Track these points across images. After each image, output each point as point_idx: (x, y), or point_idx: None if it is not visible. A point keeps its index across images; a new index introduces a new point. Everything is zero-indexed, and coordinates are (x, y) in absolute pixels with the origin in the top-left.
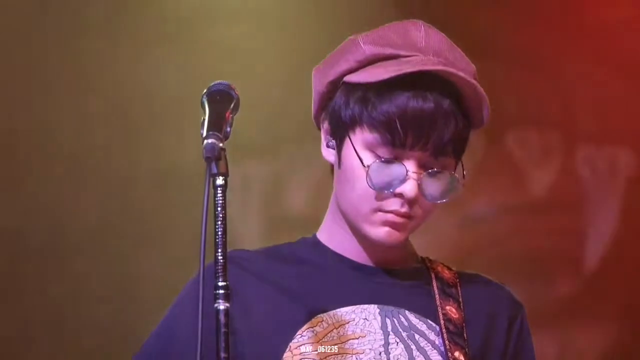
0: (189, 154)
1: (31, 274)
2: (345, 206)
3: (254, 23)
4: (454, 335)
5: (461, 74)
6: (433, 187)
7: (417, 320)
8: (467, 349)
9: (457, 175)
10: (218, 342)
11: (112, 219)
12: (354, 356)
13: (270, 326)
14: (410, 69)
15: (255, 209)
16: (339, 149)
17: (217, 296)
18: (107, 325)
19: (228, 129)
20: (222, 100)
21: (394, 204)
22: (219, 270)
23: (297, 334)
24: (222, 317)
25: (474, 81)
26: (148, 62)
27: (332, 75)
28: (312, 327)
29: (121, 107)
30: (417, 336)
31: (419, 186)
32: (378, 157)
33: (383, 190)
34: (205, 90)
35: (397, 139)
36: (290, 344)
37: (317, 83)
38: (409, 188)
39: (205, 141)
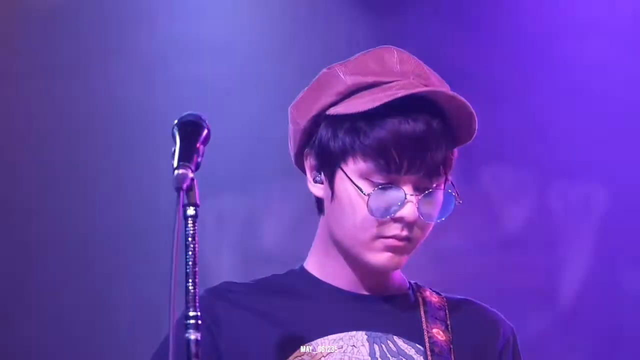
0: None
1: None
2: (342, 236)
3: (227, 59)
4: (440, 357)
5: (450, 92)
6: (430, 207)
7: (406, 345)
8: None
9: (452, 193)
10: None
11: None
12: None
13: (260, 358)
14: (401, 93)
15: (230, 243)
16: (330, 182)
17: (188, 326)
18: None
19: (199, 160)
20: (192, 131)
21: (394, 229)
22: (190, 301)
23: None
24: (192, 347)
25: (461, 97)
26: (124, 96)
27: (314, 110)
28: (299, 356)
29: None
30: None
31: (417, 208)
32: (374, 184)
33: (383, 217)
34: (175, 121)
35: (392, 165)
36: None
37: (297, 120)
38: (408, 212)
39: (176, 171)
